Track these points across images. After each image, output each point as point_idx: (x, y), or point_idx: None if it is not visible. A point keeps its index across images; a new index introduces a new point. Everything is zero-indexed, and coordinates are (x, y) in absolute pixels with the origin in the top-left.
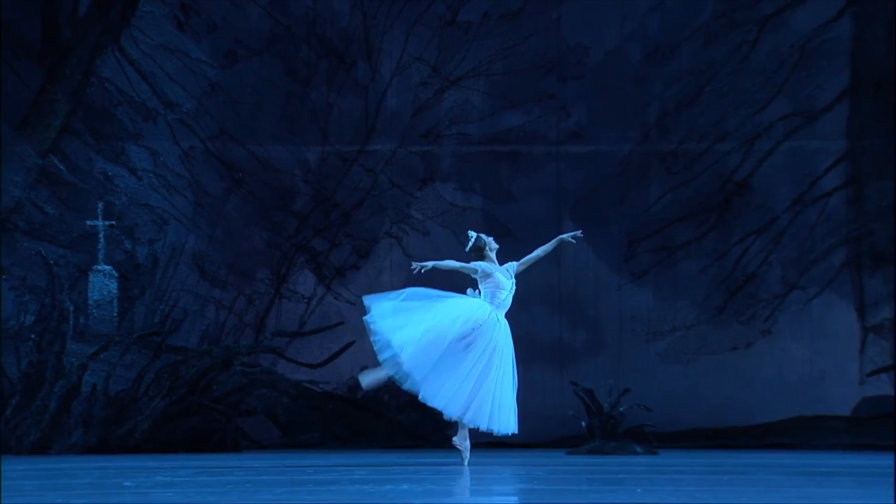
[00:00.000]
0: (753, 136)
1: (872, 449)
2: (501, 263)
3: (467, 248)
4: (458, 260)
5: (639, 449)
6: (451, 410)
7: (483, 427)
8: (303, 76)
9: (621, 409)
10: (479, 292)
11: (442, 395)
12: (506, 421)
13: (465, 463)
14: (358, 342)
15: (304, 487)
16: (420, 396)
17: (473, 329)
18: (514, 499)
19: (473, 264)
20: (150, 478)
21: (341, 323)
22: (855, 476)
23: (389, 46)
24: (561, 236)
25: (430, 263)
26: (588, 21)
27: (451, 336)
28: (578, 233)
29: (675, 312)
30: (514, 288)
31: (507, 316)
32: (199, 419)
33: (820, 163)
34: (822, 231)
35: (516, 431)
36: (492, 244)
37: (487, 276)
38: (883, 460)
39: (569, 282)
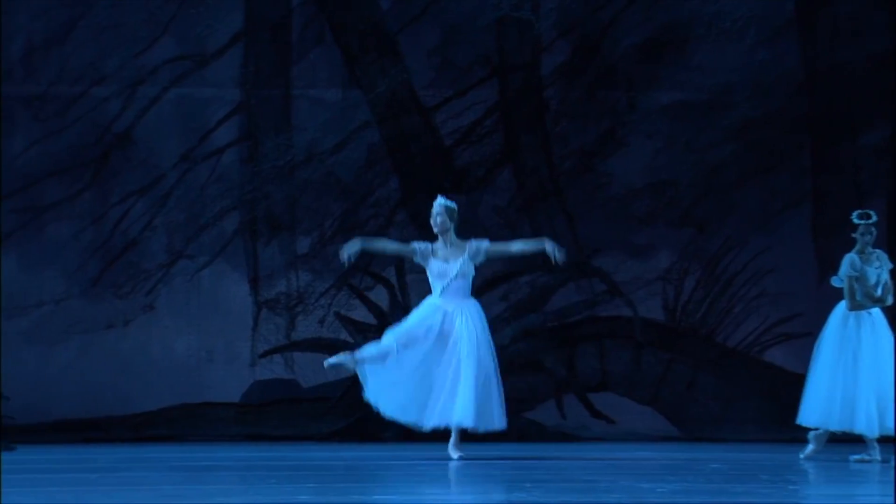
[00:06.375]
0: (136, 81)
1: (264, 440)
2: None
3: None
4: None
5: None
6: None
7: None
8: None
9: None
10: None
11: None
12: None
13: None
14: None
15: None
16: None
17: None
18: None
19: (413, 245)
20: None
21: None
22: (239, 471)
23: None
24: (546, 245)
25: (357, 245)
26: None
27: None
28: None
29: (41, 284)
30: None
31: None
32: None
33: (212, 114)
34: (213, 192)
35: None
36: (438, 219)
37: (425, 259)
38: (272, 452)
39: None
